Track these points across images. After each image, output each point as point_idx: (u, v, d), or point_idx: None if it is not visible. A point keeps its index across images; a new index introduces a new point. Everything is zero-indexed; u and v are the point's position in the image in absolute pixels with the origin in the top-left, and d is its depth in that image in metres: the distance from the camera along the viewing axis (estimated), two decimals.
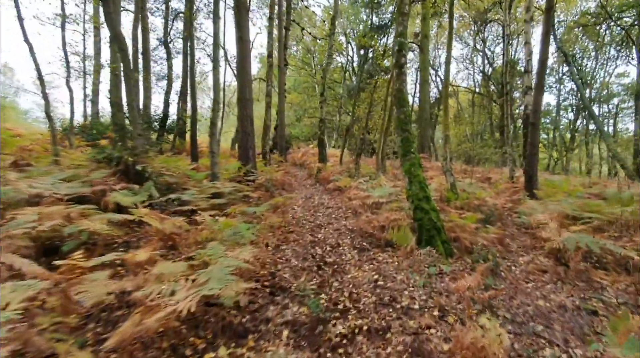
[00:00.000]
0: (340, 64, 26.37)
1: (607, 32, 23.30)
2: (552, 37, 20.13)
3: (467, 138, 20.98)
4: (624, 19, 20.09)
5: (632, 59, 22.22)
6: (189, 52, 9.77)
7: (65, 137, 10.53)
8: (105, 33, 14.45)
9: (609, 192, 6.58)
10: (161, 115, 12.83)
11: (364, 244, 4.93)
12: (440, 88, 26.32)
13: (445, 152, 7.58)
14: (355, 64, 25.68)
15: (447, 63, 8.27)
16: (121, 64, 6.11)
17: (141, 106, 10.51)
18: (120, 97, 6.21)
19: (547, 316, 3.12)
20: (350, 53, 25.73)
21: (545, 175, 14.43)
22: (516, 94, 23.83)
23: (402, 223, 5.11)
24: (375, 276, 3.86)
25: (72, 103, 9.87)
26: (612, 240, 4.67)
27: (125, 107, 6.67)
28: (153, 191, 5.19)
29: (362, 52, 20.31)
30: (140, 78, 11.49)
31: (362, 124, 11.99)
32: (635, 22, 16.95)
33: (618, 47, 25.71)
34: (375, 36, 15.51)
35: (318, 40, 22.62)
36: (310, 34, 16.76)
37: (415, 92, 24.62)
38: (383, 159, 11.46)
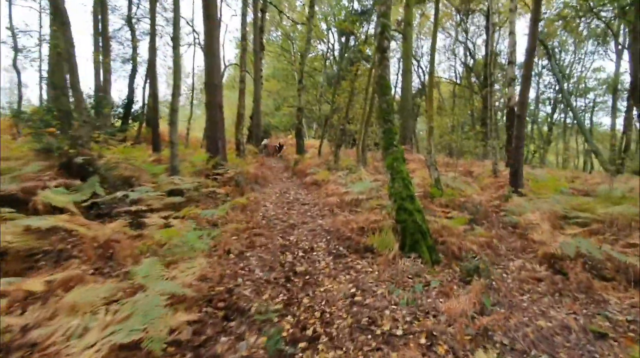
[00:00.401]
0: (321, 52, 25.56)
1: (586, 26, 23.45)
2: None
3: (448, 129, 20.79)
4: (602, 13, 20.18)
5: (611, 52, 22.38)
6: (150, 32, 8.87)
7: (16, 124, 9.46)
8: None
9: (600, 189, 6.28)
10: (125, 101, 11.81)
11: (341, 249, 4.39)
12: (423, 78, 25.98)
13: (429, 145, 7.11)
14: (336, 52, 24.94)
15: (432, 50, 7.75)
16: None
17: (98, 91, 9.57)
18: (64, 79, 5.37)
19: (550, 341, 2.66)
20: (332, 40, 24.97)
21: (526, 169, 14.30)
22: (496, 86, 23.70)
23: (383, 224, 4.59)
24: (352, 290, 3.33)
25: (19, 86, 8.82)
26: (609, 244, 4.30)
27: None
28: (97, 188, 4.46)
29: (343, 39, 19.60)
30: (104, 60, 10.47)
31: (343, 114, 11.41)
32: (616, 16, 16.92)
33: (596, 42, 26.02)
34: (357, 23, 14.84)
35: (298, 26, 21.73)
36: (288, 17, 15.89)
37: (397, 82, 24.17)
38: (364, 150, 10.95)
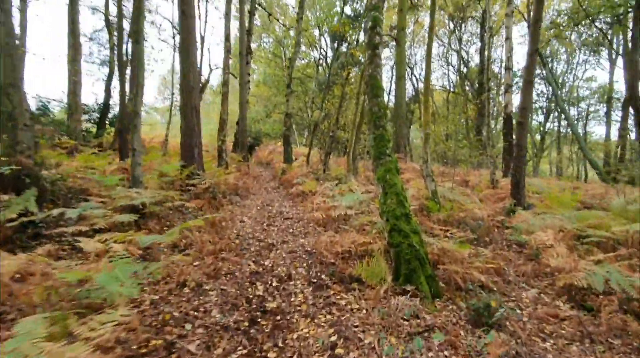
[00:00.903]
0: (313, 59, 25.07)
1: (579, 35, 23.41)
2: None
3: (442, 138, 20.34)
4: (596, 22, 19.97)
5: (605, 60, 22.17)
6: (117, 26, 8.19)
7: None
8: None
9: (615, 204, 5.67)
10: (101, 105, 11.06)
11: (323, 277, 3.68)
12: (416, 86, 25.60)
13: (425, 153, 6.48)
14: (329, 60, 24.47)
15: (428, 54, 7.17)
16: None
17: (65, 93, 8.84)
18: (5, 77, 4.65)
19: None
20: (324, 47, 24.54)
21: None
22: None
23: (373, 247, 3.91)
24: (333, 338, 2.62)
25: None
26: (634, 271, 3.67)
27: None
28: (31, 204, 3.72)
29: (335, 44, 19.14)
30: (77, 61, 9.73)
31: (333, 120, 10.79)
32: (612, 23, 16.66)
33: (588, 51, 25.99)
34: (348, 26, 14.29)
35: (290, 32, 21.22)
36: (278, 20, 15.33)
37: (390, 90, 23.70)
38: (355, 159, 10.30)
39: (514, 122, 12.48)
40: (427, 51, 6.98)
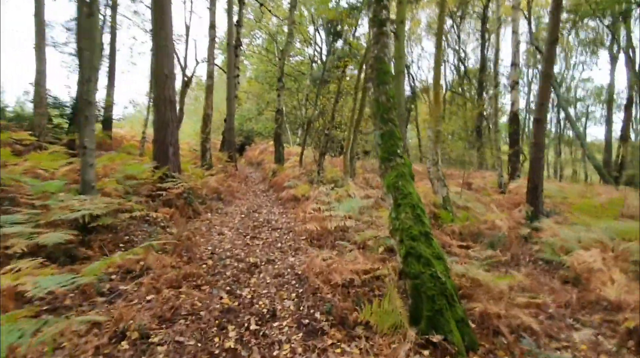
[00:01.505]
0: (307, 56, 24.14)
1: (575, 36, 23.00)
2: (519, 37, 19.05)
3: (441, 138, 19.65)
4: (591, 22, 19.43)
5: (604, 61, 21.55)
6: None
7: None
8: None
9: None
10: (74, 99, 10.08)
11: (317, 317, 2.80)
12: (413, 84, 24.84)
13: (435, 153, 5.63)
14: (324, 56, 23.56)
15: (439, 40, 6.35)
16: None
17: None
18: None
19: None
20: (319, 42, 23.63)
21: (520, 180, 13.00)
22: (485, 95, 22.69)
23: (383, 273, 3.04)
24: None
25: None
26: None
27: None
28: None
29: (330, 39, 18.27)
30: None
31: (328, 117, 9.92)
32: (617, 19, 16.03)
33: (586, 52, 25.61)
34: (345, 15, 13.39)
35: (284, 28, 20.25)
36: (270, 11, 14.39)
37: None
38: (352, 159, 9.44)
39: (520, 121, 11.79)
40: (438, 31, 6.15)
